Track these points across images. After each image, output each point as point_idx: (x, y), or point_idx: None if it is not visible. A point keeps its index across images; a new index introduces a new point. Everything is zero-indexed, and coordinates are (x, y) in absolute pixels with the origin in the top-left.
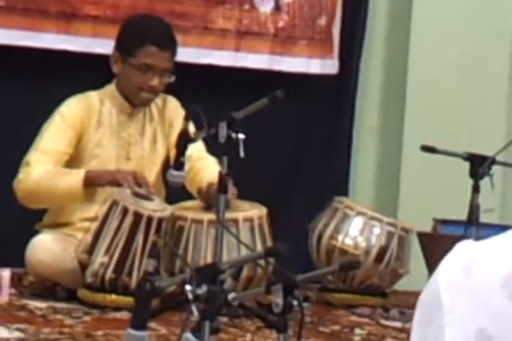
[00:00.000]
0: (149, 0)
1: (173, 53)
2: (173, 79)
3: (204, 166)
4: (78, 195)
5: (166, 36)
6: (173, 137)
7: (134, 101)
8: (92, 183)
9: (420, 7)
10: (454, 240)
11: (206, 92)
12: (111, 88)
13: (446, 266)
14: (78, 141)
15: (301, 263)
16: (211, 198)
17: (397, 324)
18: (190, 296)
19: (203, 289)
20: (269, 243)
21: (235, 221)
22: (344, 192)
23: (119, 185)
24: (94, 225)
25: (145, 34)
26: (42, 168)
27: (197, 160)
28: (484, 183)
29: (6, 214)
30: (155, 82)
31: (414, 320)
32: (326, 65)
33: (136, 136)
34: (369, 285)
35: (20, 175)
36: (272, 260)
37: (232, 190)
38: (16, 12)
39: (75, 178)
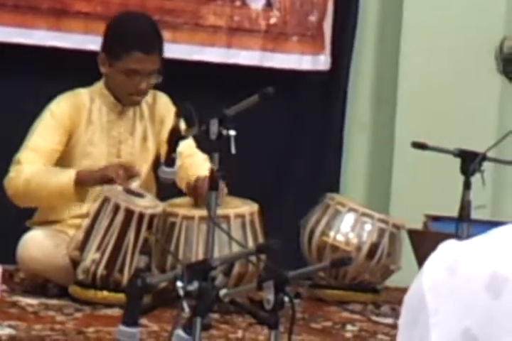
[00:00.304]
0: None
1: (160, 53)
2: (160, 79)
3: (193, 162)
4: (69, 195)
5: (151, 38)
6: (164, 133)
7: (123, 103)
8: (82, 183)
9: (411, 4)
10: (443, 237)
11: (198, 89)
12: (100, 86)
13: (430, 266)
14: (68, 139)
15: (293, 259)
16: (198, 193)
17: (389, 320)
18: (181, 293)
19: (194, 285)
20: (261, 239)
21: (227, 217)
22: (336, 188)
23: (110, 181)
24: (86, 222)
25: (129, 39)
26: (32, 166)
27: (187, 156)
28: (475, 180)
29: None
30: (143, 85)
31: (400, 322)
32: (317, 62)
33: (126, 134)
34: (360, 282)
35: (11, 174)
36: (263, 256)
37: (222, 186)
38: (7, 9)
39: (65, 178)
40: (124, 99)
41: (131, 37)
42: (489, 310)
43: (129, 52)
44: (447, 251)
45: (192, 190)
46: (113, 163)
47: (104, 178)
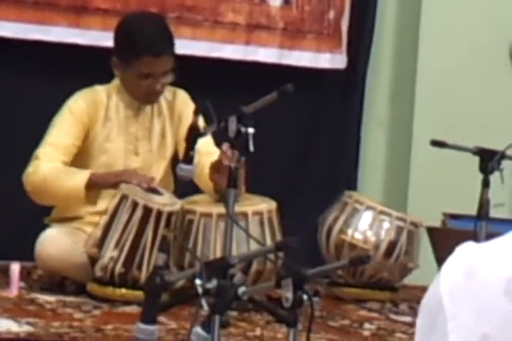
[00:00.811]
0: None
1: (171, 53)
2: (173, 77)
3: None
4: (79, 197)
5: (160, 40)
6: (183, 130)
7: (140, 102)
8: (95, 186)
9: (430, 1)
10: (463, 235)
11: (216, 86)
12: (117, 82)
13: (447, 269)
14: (86, 135)
15: (311, 257)
16: (221, 172)
17: (407, 318)
18: (199, 290)
19: (212, 283)
20: (279, 237)
21: (245, 215)
22: (353, 186)
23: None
24: (104, 219)
25: (137, 44)
26: (50, 164)
27: (206, 155)
28: (494, 178)
29: (16, 207)
30: (157, 87)
31: (418, 325)
32: (334, 60)
33: (144, 130)
34: (378, 280)
35: (30, 169)
36: (281, 254)
37: (241, 173)
38: (26, 5)
39: (78, 180)
40: (140, 100)
41: (139, 42)
42: (507, 316)
43: (139, 57)
44: (464, 254)
45: (216, 165)
46: (130, 169)
47: (118, 184)
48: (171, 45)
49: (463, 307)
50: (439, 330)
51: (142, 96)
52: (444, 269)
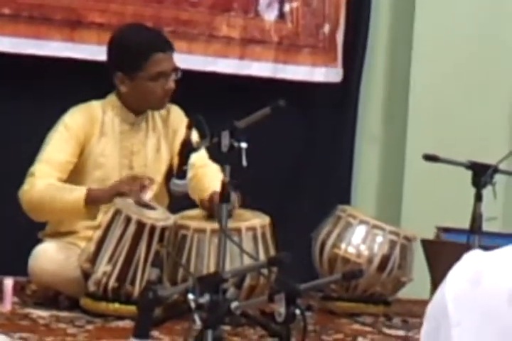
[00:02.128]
0: (155, 7)
1: (173, 51)
2: (180, 74)
3: (207, 173)
4: (80, 214)
5: (162, 38)
6: (177, 145)
7: (154, 108)
8: (94, 202)
9: (422, 16)
10: (458, 247)
11: (210, 100)
12: (112, 98)
13: (453, 277)
14: (81, 151)
15: (304, 271)
16: (214, 208)
17: (400, 332)
18: (192, 305)
19: (205, 298)
20: (272, 252)
21: (238, 230)
22: (347, 200)
23: (123, 195)
24: (97, 234)
25: (145, 45)
26: (45, 181)
27: (200, 167)
28: (487, 192)
29: (9, 222)
30: (171, 84)
31: (422, 331)
32: (329, 74)
33: (139, 145)
34: (372, 294)
35: (25, 186)
36: (274, 269)
37: (234, 198)
38: (21, 20)
39: (76, 196)
40: (156, 105)
41: (145, 43)
42: (511, 324)
43: (149, 57)
44: (471, 262)
45: (208, 204)
46: (124, 177)
47: (117, 195)
48: (171, 44)
49: (467, 314)
50: (443, 336)
51: (159, 99)
52: (450, 276)
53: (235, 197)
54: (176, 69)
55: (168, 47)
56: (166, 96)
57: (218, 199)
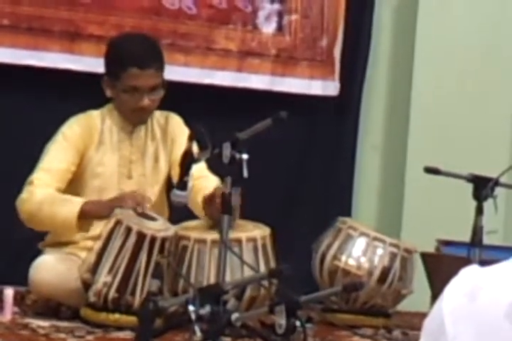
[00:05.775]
0: (153, 20)
1: (159, 68)
2: (162, 93)
3: (206, 185)
4: (72, 227)
5: (147, 54)
6: (176, 154)
7: (131, 122)
8: (88, 215)
9: (424, 28)
10: (457, 261)
11: (209, 112)
12: (110, 107)
13: (450, 291)
14: (80, 160)
15: (304, 283)
16: (215, 202)
17: None
18: (193, 316)
19: (206, 309)
20: (273, 263)
21: (239, 241)
22: (347, 212)
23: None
24: (98, 244)
25: (124, 56)
26: (44, 189)
27: (198, 178)
28: (488, 205)
29: (10, 232)
30: (145, 102)
31: None
32: (327, 87)
33: (137, 154)
34: (372, 306)
35: (23, 195)
36: (275, 281)
37: (236, 204)
38: (20, 31)
39: (71, 209)
40: (130, 118)
41: (126, 55)
42: (508, 338)
43: (125, 69)
44: (468, 276)
45: (209, 198)
46: (124, 192)
47: (111, 213)
48: (160, 61)
49: (464, 328)
50: None
51: (131, 114)
52: (447, 291)
53: (237, 202)
54: (155, 87)
55: (148, 65)
56: (140, 112)
57: (219, 197)
